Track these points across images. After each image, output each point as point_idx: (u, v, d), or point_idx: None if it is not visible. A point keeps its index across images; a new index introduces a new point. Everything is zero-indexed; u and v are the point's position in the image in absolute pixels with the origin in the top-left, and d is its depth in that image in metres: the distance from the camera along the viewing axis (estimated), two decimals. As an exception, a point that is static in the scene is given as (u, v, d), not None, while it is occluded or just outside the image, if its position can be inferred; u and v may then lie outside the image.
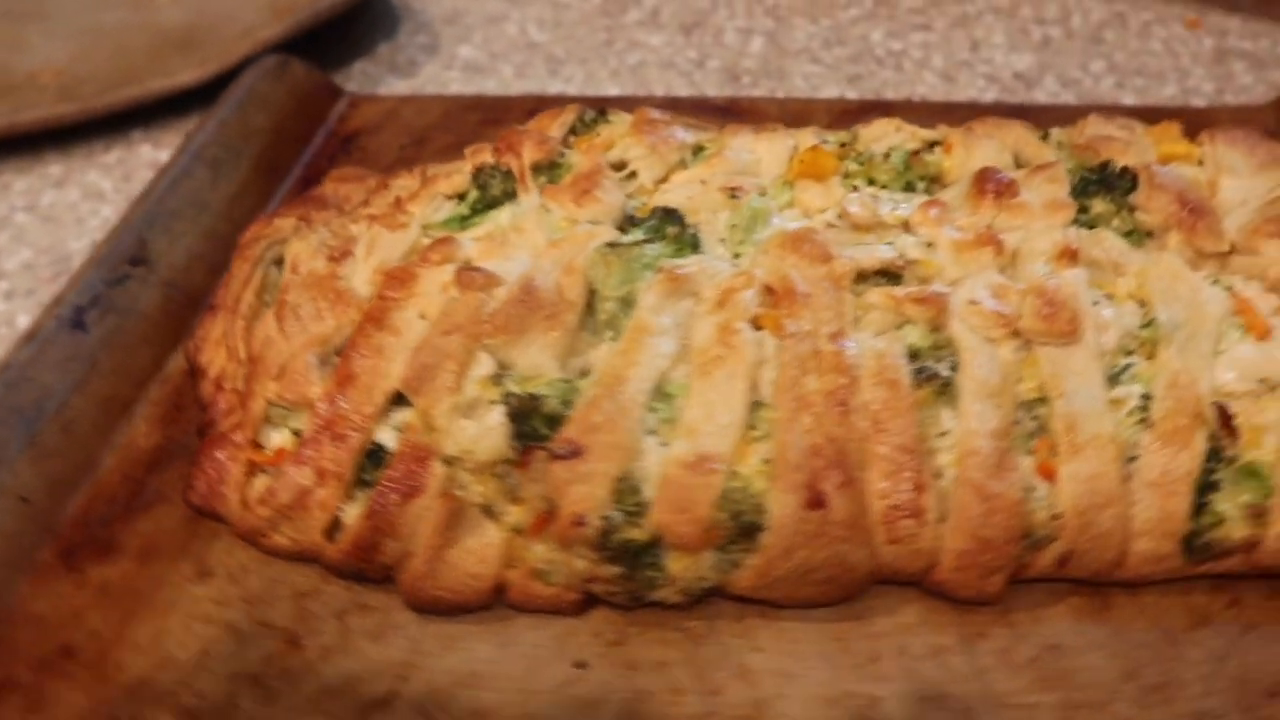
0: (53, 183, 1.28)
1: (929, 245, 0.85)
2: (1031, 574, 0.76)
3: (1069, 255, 0.82)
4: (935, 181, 0.94)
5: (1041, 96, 1.36)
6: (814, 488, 0.72)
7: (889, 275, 0.83)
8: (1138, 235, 0.86)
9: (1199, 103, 1.33)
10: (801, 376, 0.75)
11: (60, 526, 0.83)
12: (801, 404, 0.74)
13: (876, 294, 0.80)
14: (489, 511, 0.76)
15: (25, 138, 1.31)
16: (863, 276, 0.82)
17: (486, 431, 0.76)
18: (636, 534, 0.72)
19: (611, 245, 0.83)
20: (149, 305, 0.97)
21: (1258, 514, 0.73)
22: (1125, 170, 0.88)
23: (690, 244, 0.86)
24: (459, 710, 0.71)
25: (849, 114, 1.18)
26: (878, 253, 0.83)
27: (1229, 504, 0.74)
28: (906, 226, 0.87)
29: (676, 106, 1.11)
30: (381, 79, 1.46)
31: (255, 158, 1.15)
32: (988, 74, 1.41)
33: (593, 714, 0.70)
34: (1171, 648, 0.73)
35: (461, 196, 0.95)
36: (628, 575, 0.73)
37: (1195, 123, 0.98)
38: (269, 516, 0.78)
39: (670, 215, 0.87)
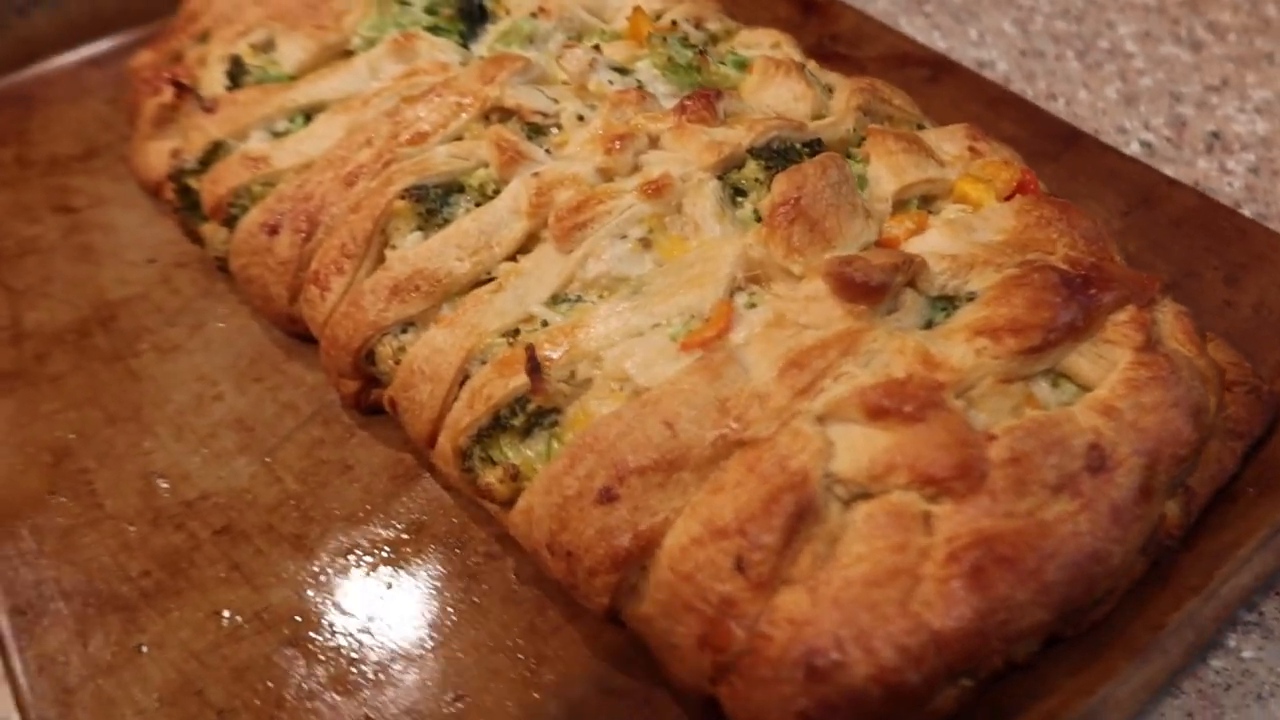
0: None
1: (580, 118, 0.82)
2: (385, 405, 0.78)
3: (654, 189, 0.75)
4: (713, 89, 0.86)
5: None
6: (275, 224, 0.82)
7: (536, 129, 0.84)
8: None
9: None
10: (355, 142, 0.83)
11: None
12: (335, 166, 0.83)
13: (491, 129, 0.82)
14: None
15: None
16: (507, 113, 0.84)
17: (216, 78, 0.97)
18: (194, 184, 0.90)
19: (383, 4, 0.95)
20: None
21: (513, 476, 0.67)
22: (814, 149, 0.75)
23: (461, 35, 0.94)
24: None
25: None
26: (527, 98, 0.84)
27: (511, 451, 0.69)
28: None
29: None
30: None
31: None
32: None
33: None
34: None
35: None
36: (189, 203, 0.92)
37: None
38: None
39: (468, 10, 0.95)
